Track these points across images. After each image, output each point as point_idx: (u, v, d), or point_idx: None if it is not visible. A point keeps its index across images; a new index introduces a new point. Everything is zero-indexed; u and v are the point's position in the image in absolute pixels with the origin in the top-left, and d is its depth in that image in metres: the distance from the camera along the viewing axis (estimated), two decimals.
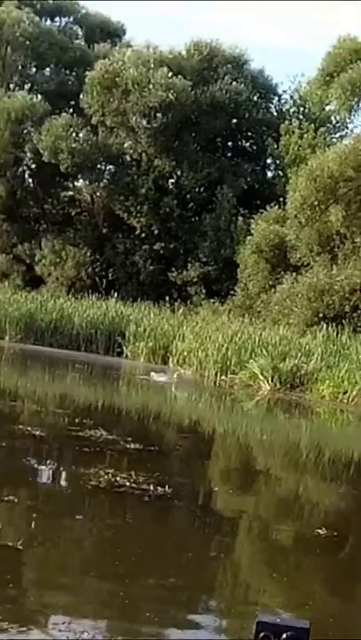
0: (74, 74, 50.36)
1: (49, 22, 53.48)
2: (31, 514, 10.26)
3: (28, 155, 48.68)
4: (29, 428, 16.30)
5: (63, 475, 13.45)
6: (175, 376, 27.42)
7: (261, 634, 2.40)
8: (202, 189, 46.70)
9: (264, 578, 9.52)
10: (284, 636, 2.39)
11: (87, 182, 49.45)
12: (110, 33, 54.02)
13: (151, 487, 12.09)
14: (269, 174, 49.64)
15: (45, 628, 6.47)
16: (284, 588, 9.19)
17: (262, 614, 2.49)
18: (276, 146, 46.96)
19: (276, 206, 41.71)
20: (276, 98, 51.32)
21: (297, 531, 11.49)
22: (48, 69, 52.20)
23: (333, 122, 47.61)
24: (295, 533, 11.38)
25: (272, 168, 49.76)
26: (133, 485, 11.97)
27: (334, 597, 9.18)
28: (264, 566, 9.96)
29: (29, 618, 6.65)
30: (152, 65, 45.78)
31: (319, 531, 11.30)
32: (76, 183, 50.58)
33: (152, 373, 28.21)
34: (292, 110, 49.77)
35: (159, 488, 12.19)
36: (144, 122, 45.98)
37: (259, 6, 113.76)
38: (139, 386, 27.52)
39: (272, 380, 28.86)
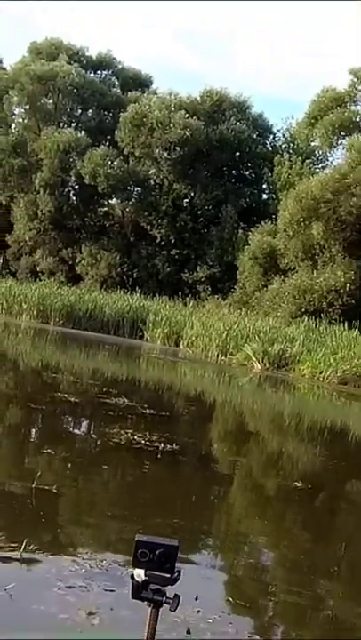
0: (110, 114, 50.62)
1: (92, 74, 53.52)
2: (65, 464, 10.16)
3: (73, 178, 49.03)
4: (66, 395, 16.21)
5: (92, 433, 13.33)
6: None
7: (140, 550, 2.43)
8: (210, 207, 46.98)
9: (251, 520, 9.43)
10: (158, 552, 2.42)
11: (119, 200, 49.66)
12: (140, 83, 54.27)
13: (162, 445, 11.96)
14: (264, 196, 49.76)
15: (72, 557, 6.31)
16: (266, 529, 9.07)
17: (139, 535, 2.47)
18: (270, 174, 47.42)
19: (269, 222, 42.07)
20: (272, 136, 51.89)
21: (279, 482, 11.41)
22: (90, 111, 52.59)
23: (317, 155, 47.80)
24: (278, 485, 11.30)
25: (267, 191, 49.85)
26: (148, 443, 11.84)
27: (307, 538, 9.04)
28: (252, 511, 9.86)
29: (60, 548, 6.56)
30: (173, 108, 46.31)
31: (297, 483, 11.17)
32: (110, 201, 50.74)
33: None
34: (283, 146, 50.09)
35: (169, 445, 12.07)
36: (165, 153, 46.38)
37: (259, 64, 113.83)
38: (155, 363, 27.42)
39: (262, 361, 28.84)
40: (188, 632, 4.80)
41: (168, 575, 2.47)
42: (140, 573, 2.46)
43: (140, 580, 2.47)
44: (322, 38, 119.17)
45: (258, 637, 5.37)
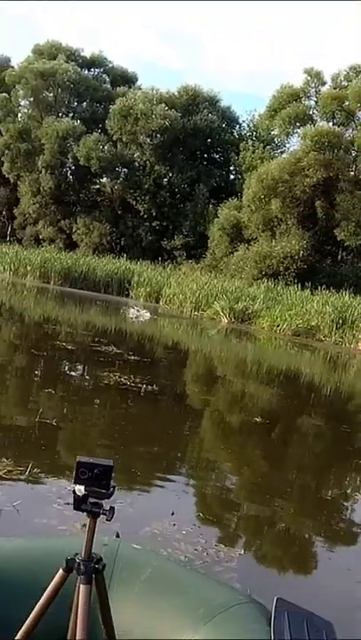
0: (102, 106, 50.23)
1: (86, 71, 53.27)
2: (63, 401, 10.19)
3: (70, 160, 48.84)
4: (64, 344, 16.19)
5: (86, 376, 13.34)
6: (144, 313, 27.26)
7: (80, 469, 2.49)
8: (185, 186, 46.92)
9: (218, 449, 9.49)
10: (95, 471, 2.49)
11: (109, 179, 49.42)
12: (127, 79, 54.05)
13: (144, 386, 12.01)
14: (231, 177, 49.61)
15: (70, 478, 6.32)
16: (231, 457, 9.14)
17: (80, 457, 2.53)
18: (236, 158, 47.39)
19: (235, 198, 42.11)
20: (238, 125, 51.65)
21: (242, 417, 11.48)
22: (85, 103, 52.25)
23: (276, 142, 47.61)
24: (241, 419, 11.36)
25: (233, 173, 49.70)
26: (132, 384, 11.87)
27: (264, 464, 9.12)
28: (219, 441, 9.92)
29: (59, 471, 6.58)
30: (154, 101, 46.26)
31: (257, 418, 11.22)
32: (101, 180, 50.55)
33: (131, 310, 28.05)
34: (248, 134, 49.89)
35: (150, 386, 12.12)
36: (148, 140, 46.23)
37: (228, 64, 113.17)
38: (139, 317, 27.43)
39: (229, 316, 28.88)
40: (118, 536, 4.85)
41: (104, 490, 2.51)
42: (80, 489, 2.50)
43: (80, 494, 2.50)
44: (279, 41, 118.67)
45: (223, 546, 5.41)
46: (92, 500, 2.51)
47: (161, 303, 33.74)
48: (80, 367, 14.39)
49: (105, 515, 2.53)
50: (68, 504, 5.62)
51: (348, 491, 8.63)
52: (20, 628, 2.46)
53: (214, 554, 5.19)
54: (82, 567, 2.50)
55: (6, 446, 6.99)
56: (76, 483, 2.51)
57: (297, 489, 8.14)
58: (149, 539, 5.26)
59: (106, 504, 2.53)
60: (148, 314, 27.12)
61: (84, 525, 5.06)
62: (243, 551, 5.39)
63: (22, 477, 6.03)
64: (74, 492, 2.53)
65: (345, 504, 7.90)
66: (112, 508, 2.54)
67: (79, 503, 2.53)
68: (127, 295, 35.68)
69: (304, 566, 5.81)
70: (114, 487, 2.54)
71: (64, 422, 8.96)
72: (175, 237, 45.37)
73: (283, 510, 7.00)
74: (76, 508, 2.54)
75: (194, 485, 7.51)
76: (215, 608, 2.32)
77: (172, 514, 5.93)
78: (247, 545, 5.68)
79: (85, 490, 2.50)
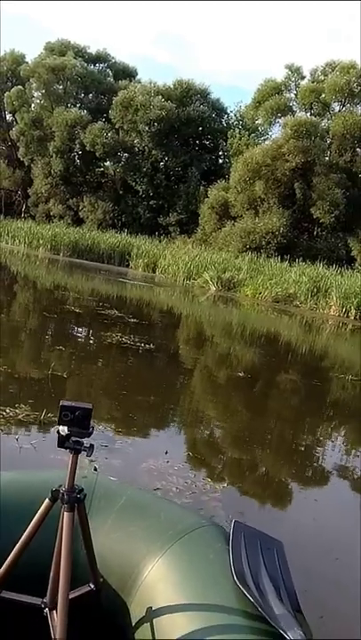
0: (106, 98, 49.92)
1: (92, 66, 52.95)
2: (72, 357, 10.29)
3: (77, 146, 48.49)
4: (72, 308, 16.29)
5: (91, 335, 13.43)
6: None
7: (63, 412, 2.50)
8: (179, 169, 46.75)
9: (206, 399, 9.61)
10: (77, 413, 2.49)
11: (111, 163, 49.25)
12: (128, 74, 53.68)
13: (142, 344, 12.11)
14: (220, 161, 49.41)
15: None
16: (217, 407, 9.27)
17: (63, 400, 2.54)
18: (225, 144, 47.18)
19: (224, 181, 42.06)
20: (226, 115, 51.34)
21: (228, 373, 11.57)
22: (90, 95, 51.94)
23: (260, 130, 47.35)
24: (226, 375, 11.46)
25: (222, 157, 49.47)
26: (132, 343, 11.99)
27: (246, 413, 9.26)
28: (207, 393, 10.03)
29: None
30: (152, 94, 46.05)
31: (240, 374, 11.40)
32: (105, 163, 50.31)
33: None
34: (235, 123, 49.70)
35: (147, 345, 12.22)
36: (146, 128, 45.96)
37: (218, 60, 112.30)
38: (138, 285, 27.46)
39: (217, 284, 28.95)
40: (95, 470, 5.03)
41: (85, 430, 2.51)
42: (63, 429, 2.51)
43: (63, 433, 2.51)
44: (264, 40, 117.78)
45: (210, 480, 5.58)
46: (74, 438, 2.51)
47: (157, 273, 33.80)
48: (86, 328, 14.47)
49: (85, 451, 2.54)
50: None
51: (317, 434, 8.80)
52: (8, 556, 2.47)
53: (202, 486, 5.37)
54: (65, 497, 2.51)
55: (23, 395, 7.12)
56: (59, 424, 2.52)
57: (275, 434, 8.31)
58: (147, 472, 5.45)
59: (87, 442, 2.53)
60: None
61: (91, 461, 5.26)
62: (226, 484, 5.56)
63: (37, 421, 6.18)
64: (58, 432, 2.54)
65: (311, 442, 8.06)
66: (92, 446, 2.55)
67: (63, 441, 2.53)
68: (127, 266, 35.75)
69: (277, 496, 5.99)
70: (93, 427, 2.54)
71: (73, 375, 9.09)
72: (170, 215, 45.30)
73: (261, 450, 7.18)
74: (59, 446, 2.54)
75: (185, 429, 7.67)
76: (182, 530, 2.37)
77: (166, 453, 6.10)
78: (230, 479, 5.84)
79: (68, 430, 2.51)
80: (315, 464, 7.23)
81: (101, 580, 2.38)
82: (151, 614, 2.18)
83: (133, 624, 2.25)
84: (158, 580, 2.26)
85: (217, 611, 2.01)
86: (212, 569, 2.20)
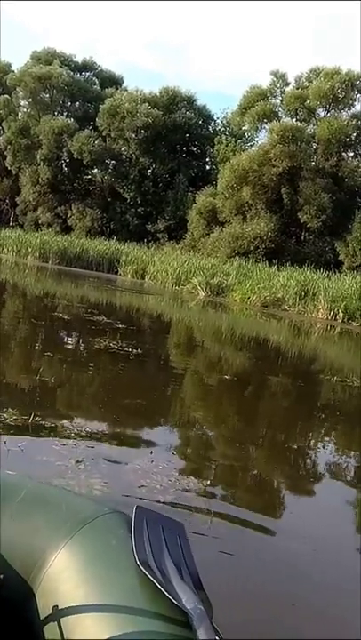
0: (93, 106, 50.38)
1: (78, 75, 53.29)
2: (60, 363, 10.36)
3: (65, 154, 49.03)
4: (61, 315, 16.40)
5: (80, 342, 13.52)
6: None
7: None
8: (167, 176, 47.10)
9: (195, 402, 9.69)
10: None
11: (99, 170, 49.69)
12: (115, 82, 54.17)
13: (131, 350, 12.19)
14: (207, 167, 49.86)
15: (66, 424, 6.61)
16: (206, 408, 9.38)
17: None
18: (212, 150, 47.64)
19: (211, 187, 42.37)
20: (213, 122, 51.99)
21: (217, 377, 11.66)
22: (77, 103, 52.39)
23: (246, 136, 47.77)
24: (215, 379, 11.53)
25: (209, 164, 49.89)
26: (120, 349, 12.07)
27: (233, 416, 9.37)
28: (194, 396, 10.12)
29: (57, 418, 6.76)
30: (139, 101, 46.39)
31: (230, 377, 11.54)
32: (92, 171, 50.67)
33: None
34: (221, 129, 50.12)
35: (136, 350, 12.30)
36: (133, 135, 46.32)
37: (204, 67, 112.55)
38: (127, 292, 27.55)
39: (205, 290, 29.16)
40: (79, 462, 5.15)
41: None
42: None
43: None
44: (248, 47, 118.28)
45: (193, 478, 5.69)
46: None
47: (146, 279, 33.93)
48: (75, 334, 14.56)
49: None
50: (64, 445, 5.91)
51: (304, 434, 8.92)
52: None
53: (185, 484, 5.48)
54: None
55: (12, 399, 7.22)
56: None
57: (261, 434, 8.42)
58: (132, 472, 5.56)
59: None
60: None
61: (78, 462, 5.38)
62: (209, 482, 5.67)
63: (26, 424, 6.28)
64: None
65: (299, 441, 8.18)
66: None
67: None
68: (116, 272, 35.87)
69: (261, 491, 6.11)
70: None
71: (61, 380, 9.18)
72: (158, 221, 45.54)
73: (246, 449, 7.29)
74: None
75: (170, 430, 7.77)
76: (83, 520, 2.35)
77: (151, 453, 6.22)
78: (213, 477, 5.95)
79: None
80: (300, 462, 7.34)
81: (2, 575, 2.32)
82: (56, 604, 2.16)
83: (38, 616, 2.23)
84: (62, 570, 2.24)
85: (120, 595, 2.04)
86: (114, 555, 2.21)
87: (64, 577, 2.23)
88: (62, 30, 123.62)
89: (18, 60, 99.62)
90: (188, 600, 1.94)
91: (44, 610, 2.23)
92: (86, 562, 2.22)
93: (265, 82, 43.98)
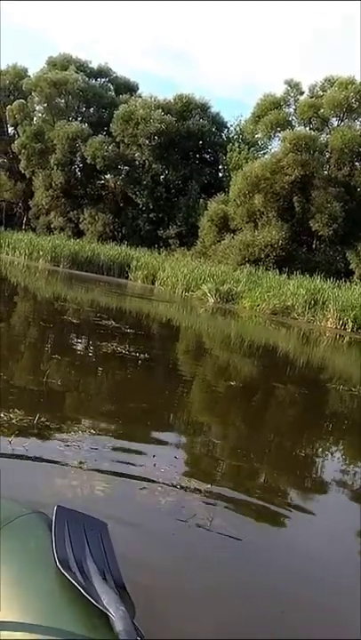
0: (107, 112, 50.63)
1: (93, 81, 53.46)
2: (68, 366, 10.41)
3: (78, 159, 49.20)
4: (70, 318, 16.44)
5: (88, 345, 13.56)
6: None
7: None
8: (179, 182, 47.18)
9: (203, 408, 9.73)
10: None
11: (112, 176, 49.86)
12: (129, 88, 54.41)
13: (140, 355, 12.24)
14: (220, 175, 49.93)
15: (71, 426, 6.65)
16: (212, 414, 9.42)
17: None
18: (224, 158, 47.72)
19: (223, 194, 42.39)
20: (226, 129, 52.06)
21: (225, 384, 11.65)
22: (92, 109, 52.58)
23: (259, 144, 47.90)
24: (223, 385, 11.53)
25: (221, 171, 49.95)
26: (129, 353, 12.12)
27: (239, 419, 9.39)
28: (200, 401, 10.13)
29: (62, 420, 6.82)
30: (153, 108, 46.55)
31: (239, 384, 11.58)
32: (105, 176, 50.85)
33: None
34: (234, 137, 50.25)
35: (144, 355, 12.35)
36: (147, 141, 46.40)
37: (218, 76, 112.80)
38: (137, 297, 27.60)
39: (215, 297, 29.15)
40: (81, 463, 5.19)
41: None
42: None
43: None
44: (264, 55, 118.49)
45: (194, 480, 5.73)
46: None
47: (156, 285, 34.01)
48: (84, 338, 14.59)
49: None
50: (68, 446, 5.97)
51: (311, 441, 8.94)
52: None
53: (186, 486, 5.53)
54: None
55: (18, 400, 7.27)
56: None
57: (265, 441, 8.44)
58: (135, 474, 5.61)
59: None
60: None
61: (81, 462, 5.43)
62: (210, 485, 5.71)
63: (31, 425, 6.33)
64: None
65: (305, 449, 8.19)
66: None
67: None
68: (127, 277, 35.95)
69: (261, 493, 6.13)
70: None
71: (68, 383, 9.23)
72: (170, 227, 45.65)
73: (250, 456, 7.31)
74: None
75: (174, 434, 7.80)
76: (1, 521, 2.27)
77: (154, 456, 6.26)
78: (215, 480, 5.98)
79: None
80: (306, 471, 7.36)
81: None
82: None
83: None
84: None
85: (39, 598, 1.99)
86: (33, 557, 2.14)
87: None
88: (62, 30, 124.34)
89: (18, 60, 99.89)
90: (109, 601, 1.92)
91: None
92: (3, 565, 2.13)
93: (279, 90, 44.19)
